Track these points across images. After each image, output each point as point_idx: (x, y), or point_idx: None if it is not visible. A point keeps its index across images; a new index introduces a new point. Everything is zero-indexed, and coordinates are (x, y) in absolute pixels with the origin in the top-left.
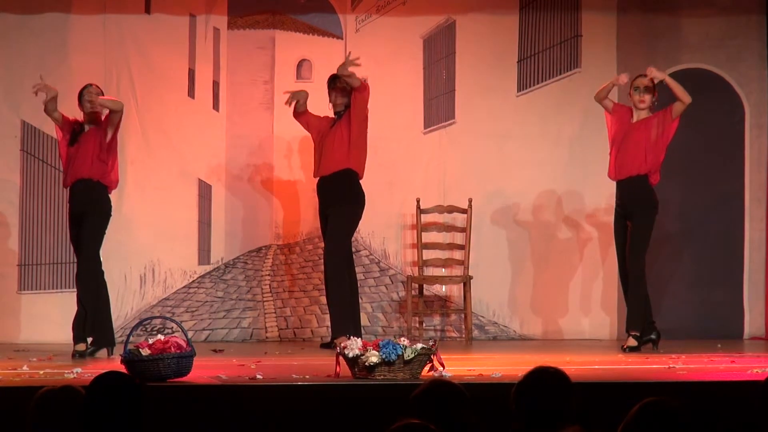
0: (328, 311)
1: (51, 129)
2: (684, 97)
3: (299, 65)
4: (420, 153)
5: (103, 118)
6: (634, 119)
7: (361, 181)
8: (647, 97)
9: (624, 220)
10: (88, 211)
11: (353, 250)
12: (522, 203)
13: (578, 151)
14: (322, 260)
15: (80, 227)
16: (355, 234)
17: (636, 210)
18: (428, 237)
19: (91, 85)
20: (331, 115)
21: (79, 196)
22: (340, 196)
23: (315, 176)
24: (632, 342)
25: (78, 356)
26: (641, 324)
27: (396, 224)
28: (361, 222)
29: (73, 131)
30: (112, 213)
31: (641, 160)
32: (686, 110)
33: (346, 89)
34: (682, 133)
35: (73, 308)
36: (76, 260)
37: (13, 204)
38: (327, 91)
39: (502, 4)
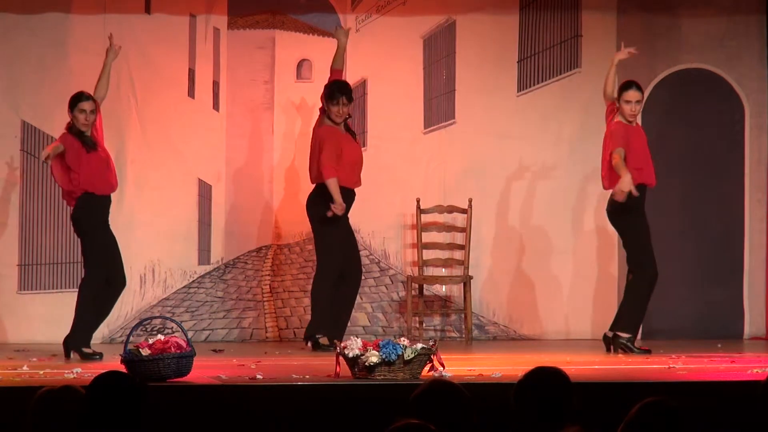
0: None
1: (51, 129)
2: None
3: (299, 65)
4: (420, 153)
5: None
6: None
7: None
8: (638, 109)
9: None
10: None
11: None
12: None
13: (578, 151)
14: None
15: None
16: (355, 234)
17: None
18: (428, 237)
19: (85, 96)
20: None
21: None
22: None
23: (357, 186)
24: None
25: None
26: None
27: (396, 224)
28: (361, 222)
29: (85, 140)
30: None
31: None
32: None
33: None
34: (682, 132)
35: (71, 308)
36: (113, 267)
37: (13, 204)
38: (342, 100)
39: (502, 4)
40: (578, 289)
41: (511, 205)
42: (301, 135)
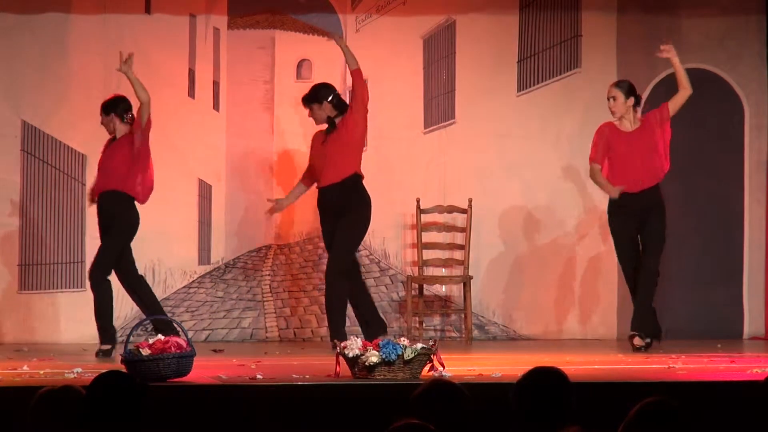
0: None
1: (51, 129)
2: (688, 86)
3: (299, 65)
4: (420, 153)
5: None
6: (624, 129)
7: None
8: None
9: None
10: (112, 225)
11: None
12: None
13: (579, 151)
14: (324, 262)
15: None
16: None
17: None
18: (428, 237)
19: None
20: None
21: (103, 208)
22: (353, 202)
23: (320, 186)
24: (639, 342)
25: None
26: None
27: (396, 224)
28: None
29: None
30: (137, 224)
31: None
32: (683, 108)
33: (322, 103)
34: (682, 133)
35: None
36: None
37: (14, 204)
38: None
39: (502, 4)
40: (579, 288)
41: (511, 205)
42: (301, 135)
